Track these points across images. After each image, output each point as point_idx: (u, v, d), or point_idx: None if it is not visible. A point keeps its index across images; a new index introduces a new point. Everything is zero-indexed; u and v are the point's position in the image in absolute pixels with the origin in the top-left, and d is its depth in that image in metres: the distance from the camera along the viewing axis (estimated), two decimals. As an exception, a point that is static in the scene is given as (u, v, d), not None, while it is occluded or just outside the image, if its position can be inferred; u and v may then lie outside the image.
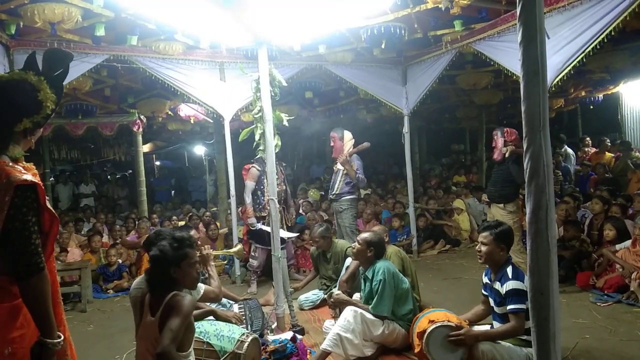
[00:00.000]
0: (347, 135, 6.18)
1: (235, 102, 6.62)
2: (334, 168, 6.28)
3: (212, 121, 9.47)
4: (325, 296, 5.07)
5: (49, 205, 1.88)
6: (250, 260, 6.18)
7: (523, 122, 1.67)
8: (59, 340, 1.82)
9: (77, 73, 5.64)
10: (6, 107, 1.86)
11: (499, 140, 5.44)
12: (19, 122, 1.87)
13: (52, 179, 11.62)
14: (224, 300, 4.53)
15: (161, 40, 5.82)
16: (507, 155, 5.34)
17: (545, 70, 1.65)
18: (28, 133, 1.93)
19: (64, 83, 2.02)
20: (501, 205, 5.39)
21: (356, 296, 4.24)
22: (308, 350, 3.75)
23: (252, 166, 6.05)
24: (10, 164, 1.83)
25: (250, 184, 6.01)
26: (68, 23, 4.84)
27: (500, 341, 3.08)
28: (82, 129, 9.05)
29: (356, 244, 3.93)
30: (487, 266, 3.32)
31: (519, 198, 5.43)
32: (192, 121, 9.82)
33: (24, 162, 1.93)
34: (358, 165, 6.03)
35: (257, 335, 3.33)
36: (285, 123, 4.68)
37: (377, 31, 5.50)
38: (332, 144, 6.28)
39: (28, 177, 1.79)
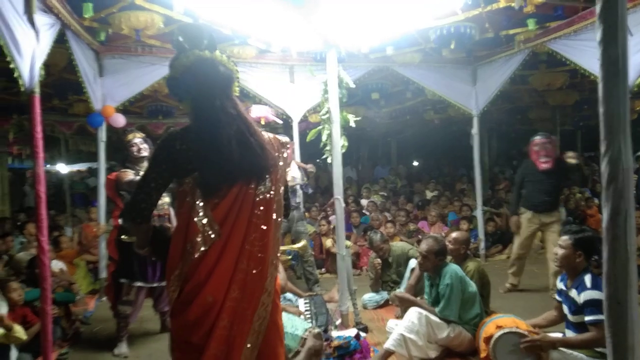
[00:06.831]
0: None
1: (304, 104, 6.78)
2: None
3: (281, 122, 9.67)
4: (389, 297, 5.09)
5: None
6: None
7: (601, 125, 1.62)
8: None
9: (159, 76, 5.97)
10: (217, 78, 2.02)
11: (554, 149, 5.36)
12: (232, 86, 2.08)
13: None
14: (289, 295, 4.68)
15: (235, 45, 6.06)
16: (574, 162, 5.21)
17: (626, 70, 1.58)
18: None
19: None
20: (555, 213, 5.33)
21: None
22: (371, 348, 3.80)
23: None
24: None
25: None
26: (151, 29, 5.17)
27: (572, 351, 2.98)
28: (162, 129, 9.49)
29: (419, 256, 3.90)
30: (564, 272, 3.21)
31: None
32: (262, 122, 10.07)
33: None
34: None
35: (319, 330, 3.43)
36: (352, 124, 4.73)
37: (446, 32, 5.42)
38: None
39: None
